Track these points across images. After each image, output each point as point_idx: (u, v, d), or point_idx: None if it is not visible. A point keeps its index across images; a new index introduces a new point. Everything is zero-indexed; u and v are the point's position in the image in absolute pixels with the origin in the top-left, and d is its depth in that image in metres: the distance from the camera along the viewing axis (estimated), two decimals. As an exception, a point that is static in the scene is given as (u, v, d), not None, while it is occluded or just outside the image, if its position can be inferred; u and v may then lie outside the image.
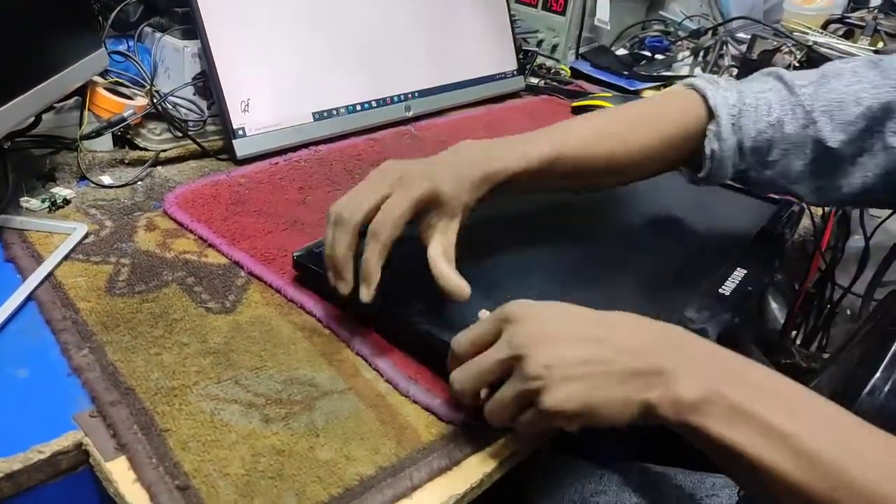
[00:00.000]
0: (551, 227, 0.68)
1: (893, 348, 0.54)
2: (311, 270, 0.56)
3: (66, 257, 0.58)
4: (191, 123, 0.79)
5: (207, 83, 0.79)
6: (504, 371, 0.41)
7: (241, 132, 0.79)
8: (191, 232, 0.64)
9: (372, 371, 0.50)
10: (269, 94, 0.82)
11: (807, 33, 1.13)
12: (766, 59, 1.13)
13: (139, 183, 0.72)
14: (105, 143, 0.75)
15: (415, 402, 0.48)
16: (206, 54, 0.77)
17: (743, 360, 0.40)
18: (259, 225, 0.66)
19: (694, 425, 0.38)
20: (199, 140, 0.78)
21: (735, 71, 1.23)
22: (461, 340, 0.44)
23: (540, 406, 0.39)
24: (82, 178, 0.71)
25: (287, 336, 0.52)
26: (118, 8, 0.77)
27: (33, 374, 0.46)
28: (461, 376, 0.43)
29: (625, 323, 0.42)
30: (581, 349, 0.40)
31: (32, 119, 0.69)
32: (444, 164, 0.53)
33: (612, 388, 0.39)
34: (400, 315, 0.51)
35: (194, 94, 0.80)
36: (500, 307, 0.43)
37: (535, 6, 1.34)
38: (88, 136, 0.72)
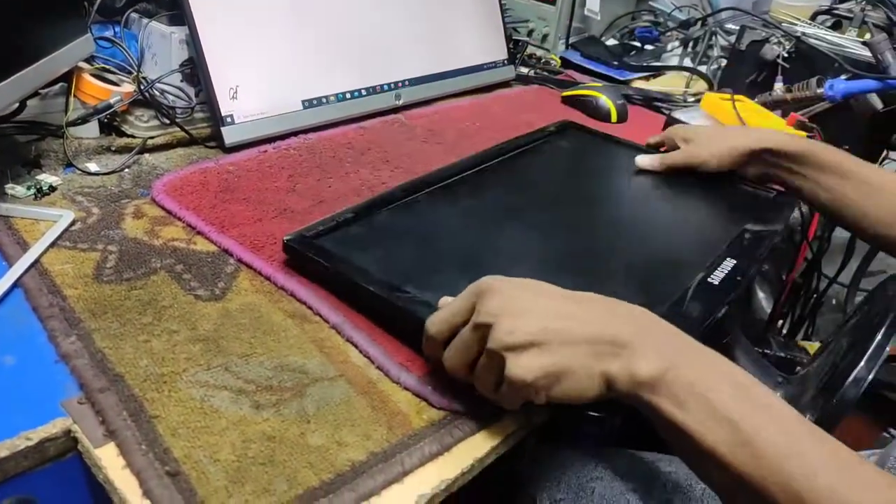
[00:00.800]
0: (544, 217, 0.68)
1: (877, 340, 0.55)
2: (302, 254, 0.56)
3: (52, 244, 0.57)
4: (178, 110, 0.78)
5: (195, 70, 0.79)
6: (481, 344, 0.42)
7: (229, 119, 0.78)
8: (179, 219, 0.64)
9: (363, 358, 0.50)
10: (258, 82, 0.81)
11: (795, 24, 1.14)
12: (755, 50, 1.13)
13: (126, 170, 0.71)
14: (91, 129, 0.74)
15: (406, 388, 0.48)
16: (193, 41, 0.76)
17: (702, 347, 0.41)
18: (248, 213, 0.66)
19: (646, 401, 0.38)
20: (186, 127, 0.78)
21: (724, 62, 1.23)
22: (435, 321, 0.44)
23: (506, 374, 0.40)
24: (68, 164, 0.70)
25: (277, 323, 0.52)
26: (105, -8, 0.76)
27: (20, 362, 0.46)
28: (449, 355, 0.44)
29: (592, 300, 0.43)
30: (547, 320, 0.40)
31: (17, 105, 0.68)
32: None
33: (575, 357, 0.39)
34: (393, 299, 0.51)
35: (182, 81, 0.80)
36: (473, 283, 0.44)
37: (526, -5, 1.33)
38: (74, 123, 0.72)
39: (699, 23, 1.31)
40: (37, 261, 0.55)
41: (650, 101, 1.16)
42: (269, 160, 0.77)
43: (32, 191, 0.64)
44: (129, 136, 0.76)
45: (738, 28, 1.18)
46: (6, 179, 0.64)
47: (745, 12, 1.18)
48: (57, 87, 0.73)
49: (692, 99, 1.17)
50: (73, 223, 0.61)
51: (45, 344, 0.47)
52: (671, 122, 1.02)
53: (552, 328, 0.40)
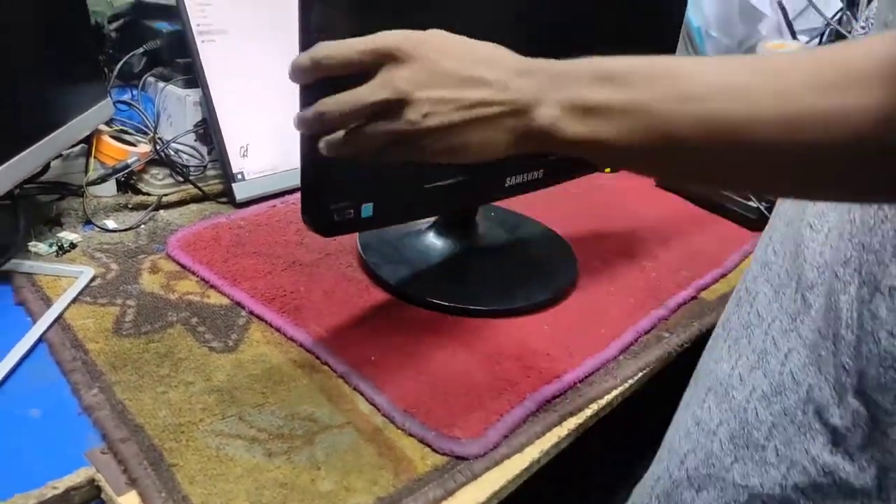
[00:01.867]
0: None
1: None
2: None
3: (74, 300, 0.60)
4: (192, 168, 0.83)
5: (208, 130, 0.83)
6: (376, 111, 0.39)
7: (239, 176, 0.82)
8: (193, 273, 0.67)
9: (369, 405, 0.53)
10: (267, 140, 0.85)
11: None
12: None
13: (142, 227, 0.75)
14: (109, 188, 0.78)
15: (411, 434, 0.50)
16: (206, 102, 0.80)
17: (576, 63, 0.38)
18: (259, 266, 0.69)
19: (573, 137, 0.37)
20: (199, 184, 0.82)
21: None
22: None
23: (413, 144, 0.39)
24: (87, 222, 0.74)
25: (287, 373, 0.55)
26: (123, 60, 0.81)
27: (46, 414, 0.49)
28: (330, 106, 0.41)
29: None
30: (462, 91, 0.38)
31: (41, 167, 0.72)
32: None
33: (486, 129, 0.38)
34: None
35: (195, 140, 0.84)
36: (371, 37, 0.40)
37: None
38: (94, 183, 0.76)
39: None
40: (60, 316, 0.58)
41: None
42: (278, 215, 0.81)
43: (54, 248, 0.68)
44: (144, 193, 0.80)
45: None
46: (30, 238, 0.68)
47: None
48: (78, 148, 0.77)
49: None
50: (93, 279, 0.64)
51: (68, 396, 0.50)
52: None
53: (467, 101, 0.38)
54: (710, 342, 0.57)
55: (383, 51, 0.39)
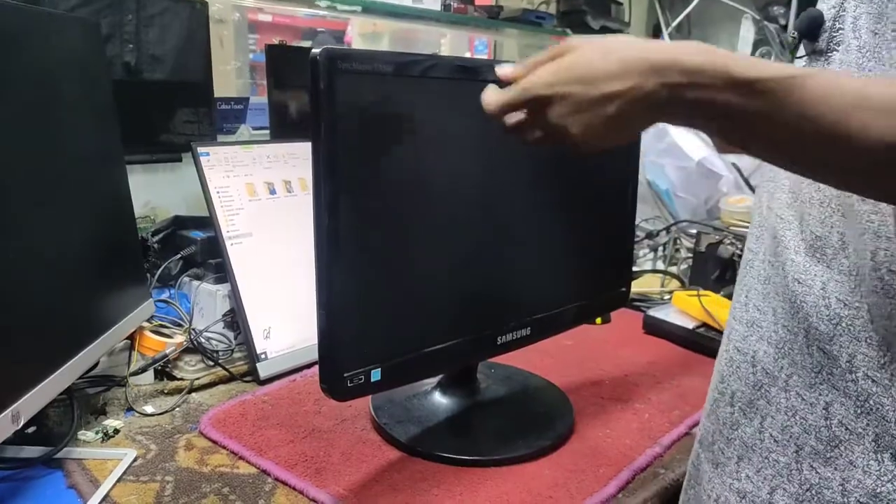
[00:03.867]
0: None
1: None
2: None
3: (119, 479, 0.67)
4: (220, 353, 0.92)
5: (235, 318, 0.94)
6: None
7: (263, 356, 0.92)
8: (223, 447, 0.74)
9: (387, 556, 0.57)
10: (287, 321, 0.96)
11: (743, 226, 1.32)
12: (713, 251, 1.30)
13: (177, 409, 0.83)
14: (147, 376, 0.88)
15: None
16: (234, 294, 0.92)
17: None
18: (282, 435, 0.76)
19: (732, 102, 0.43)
20: (227, 366, 0.91)
21: (691, 261, 1.40)
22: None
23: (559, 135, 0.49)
24: (129, 409, 0.82)
25: (311, 531, 0.60)
26: (163, 266, 0.95)
27: (96, 584, 0.54)
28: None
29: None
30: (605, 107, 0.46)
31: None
32: None
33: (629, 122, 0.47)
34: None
35: (223, 328, 0.95)
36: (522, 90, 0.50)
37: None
38: (135, 373, 0.85)
39: (664, 231, 1.51)
40: (107, 495, 0.65)
41: (630, 302, 1.30)
42: (298, 388, 0.89)
43: (100, 435, 0.76)
44: (178, 379, 0.89)
45: (696, 233, 1.36)
46: (79, 427, 0.76)
47: (697, 222, 1.38)
48: (122, 343, 0.88)
49: (667, 297, 1.31)
50: (135, 459, 0.71)
51: (116, 567, 0.55)
52: (649, 319, 1.15)
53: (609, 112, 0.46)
54: (708, 408, 0.60)
55: (533, 99, 0.50)
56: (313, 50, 0.54)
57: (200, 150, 0.94)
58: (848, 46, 0.50)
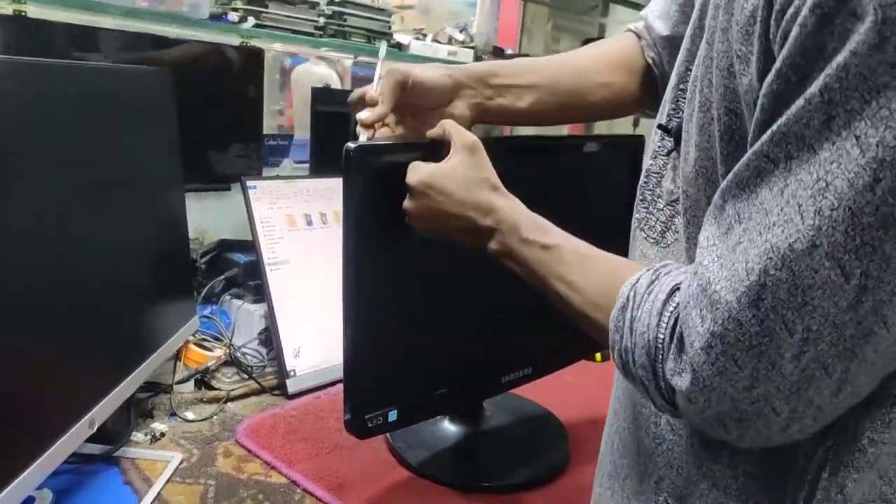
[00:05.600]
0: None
1: None
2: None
3: (168, 480, 0.78)
4: (254, 367, 1.03)
5: (269, 336, 1.04)
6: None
7: (292, 373, 1.02)
8: (257, 457, 0.84)
9: (397, 566, 0.67)
10: (315, 342, 1.06)
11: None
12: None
13: (215, 417, 0.94)
14: (189, 385, 0.98)
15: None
16: (270, 315, 1.03)
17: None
18: (309, 449, 0.86)
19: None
20: (259, 380, 1.01)
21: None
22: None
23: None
24: (172, 414, 0.93)
25: (334, 540, 0.70)
26: (209, 285, 1.05)
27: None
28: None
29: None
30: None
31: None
32: None
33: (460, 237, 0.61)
34: None
35: (258, 344, 1.05)
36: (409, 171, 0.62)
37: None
38: (180, 383, 0.96)
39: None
40: (159, 493, 0.75)
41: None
42: (322, 405, 0.99)
43: (149, 437, 0.86)
44: (216, 389, 0.99)
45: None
46: (133, 429, 0.87)
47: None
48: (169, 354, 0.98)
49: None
50: (181, 462, 0.81)
51: (170, 558, 0.66)
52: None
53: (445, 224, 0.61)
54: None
55: (413, 188, 0.62)
56: (348, 144, 0.64)
57: (249, 183, 1.05)
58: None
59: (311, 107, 1.18)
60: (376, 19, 1.09)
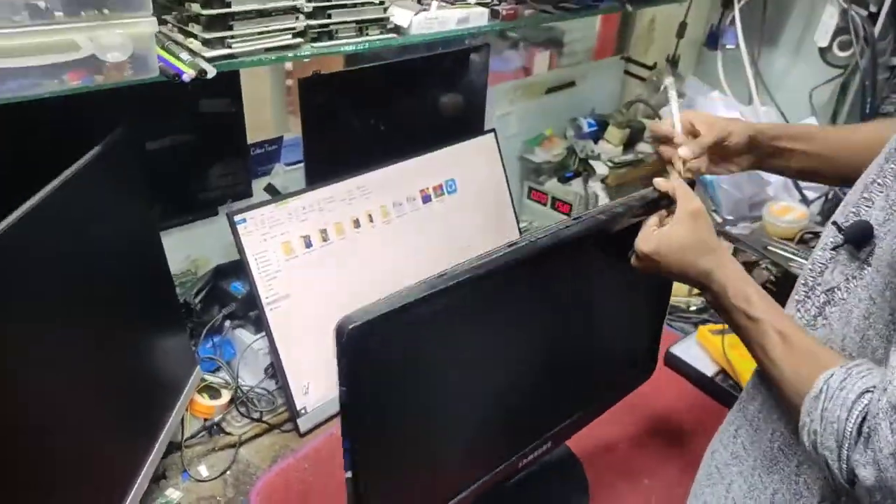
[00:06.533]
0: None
1: None
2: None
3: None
4: (262, 404, 1.00)
5: (276, 371, 1.00)
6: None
7: (303, 412, 0.99)
8: (272, 531, 0.85)
9: None
10: (325, 372, 1.02)
11: (784, 247, 1.29)
12: (747, 271, 1.29)
13: (228, 472, 0.93)
14: (200, 437, 0.96)
15: None
16: (274, 357, 0.97)
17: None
18: (322, 519, 0.86)
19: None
20: (269, 419, 0.99)
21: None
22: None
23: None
24: (184, 471, 0.92)
25: None
26: (208, 325, 0.99)
27: None
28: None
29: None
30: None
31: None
32: None
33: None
34: None
35: (264, 378, 1.02)
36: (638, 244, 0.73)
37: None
38: (190, 438, 0.94)
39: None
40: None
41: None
42: (334, 447, 0.97)
43: (164, 508, 0.87)
44: (227, 433, 0.98)
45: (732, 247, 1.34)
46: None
47: (737, 237, 1.35)
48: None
49: (693, 307, 1.33)
50: (197, 543, 0.82)
51: None
52: (670, 355, 1.18)
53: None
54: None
55: (643, 254, 0.72)
56: (339, 322, 0.58)
57: (237, 217, 0.94)
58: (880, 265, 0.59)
59: (301, 100, 1.02)
60: (366, 3, 0.90)
